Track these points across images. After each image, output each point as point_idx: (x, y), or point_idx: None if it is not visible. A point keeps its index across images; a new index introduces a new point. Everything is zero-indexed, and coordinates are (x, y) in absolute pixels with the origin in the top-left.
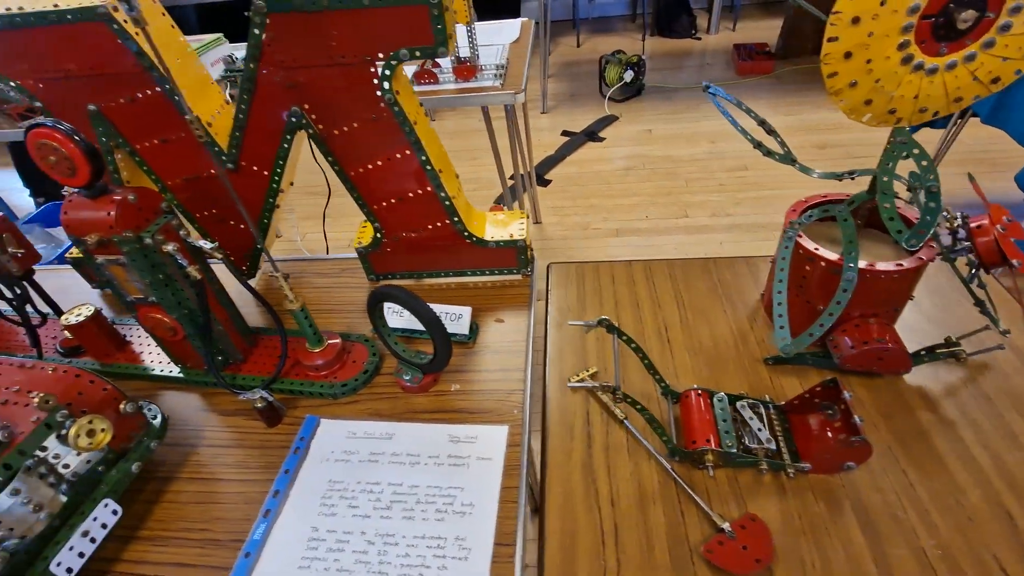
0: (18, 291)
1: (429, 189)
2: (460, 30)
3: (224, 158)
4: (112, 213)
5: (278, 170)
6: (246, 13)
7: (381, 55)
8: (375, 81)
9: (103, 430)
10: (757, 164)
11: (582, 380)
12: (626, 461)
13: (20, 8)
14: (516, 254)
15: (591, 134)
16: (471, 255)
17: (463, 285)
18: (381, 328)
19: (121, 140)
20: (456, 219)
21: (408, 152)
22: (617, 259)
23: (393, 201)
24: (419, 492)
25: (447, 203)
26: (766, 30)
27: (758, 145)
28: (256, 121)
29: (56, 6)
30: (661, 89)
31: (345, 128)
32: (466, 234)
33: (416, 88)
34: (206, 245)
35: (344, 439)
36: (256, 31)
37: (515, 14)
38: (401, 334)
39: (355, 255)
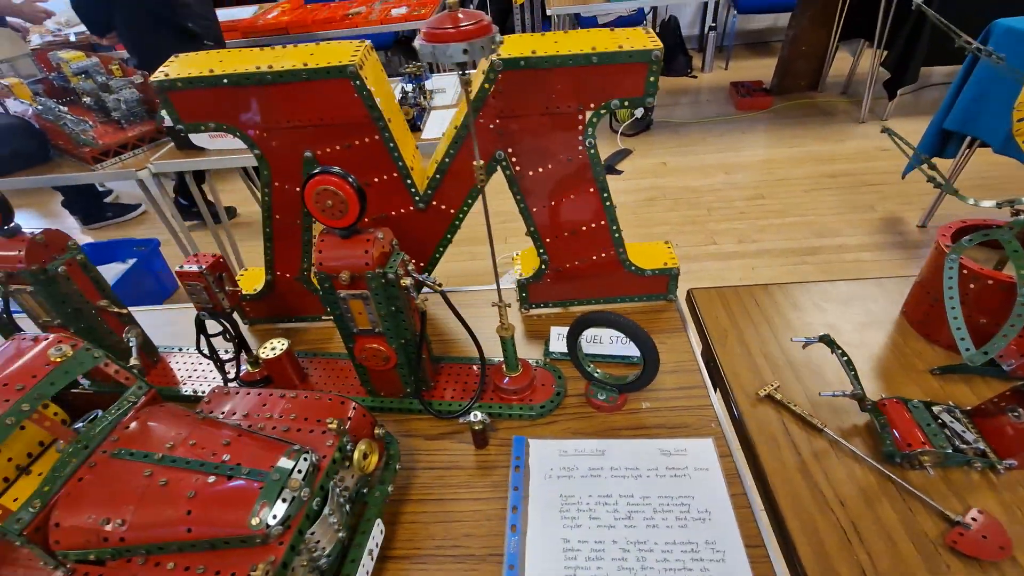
0: (227, 324)
1: (603, 223)
2: None
3: (418, 199)
4: (369, 251)
5: (465, 208)
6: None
7: (593, 105)
8: (580, 127)
9: (372, 453)
10: (773, 193)
11: (768, 393)
12: (837, 465)
13: (269, 66)
14: (668, 281)
15: (609, 168)
16: (625, 283)
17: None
18: (578, 351)
19: None
20: (621, 250)
21: (592, 190)
22: (750, 283)
23: (566, 234)
24: (652, 502)
25: (616, 235)
26: (757, 68)
27: (929, 175)
28: (459, 164)
29: (306, 65)
30: (668, 123)
31: (540, 169)
32: (627, 263)
33: None
34: (428, 279)
35: (557, 456)
36: (486, 85)
37: None
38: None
39: (483, 287)
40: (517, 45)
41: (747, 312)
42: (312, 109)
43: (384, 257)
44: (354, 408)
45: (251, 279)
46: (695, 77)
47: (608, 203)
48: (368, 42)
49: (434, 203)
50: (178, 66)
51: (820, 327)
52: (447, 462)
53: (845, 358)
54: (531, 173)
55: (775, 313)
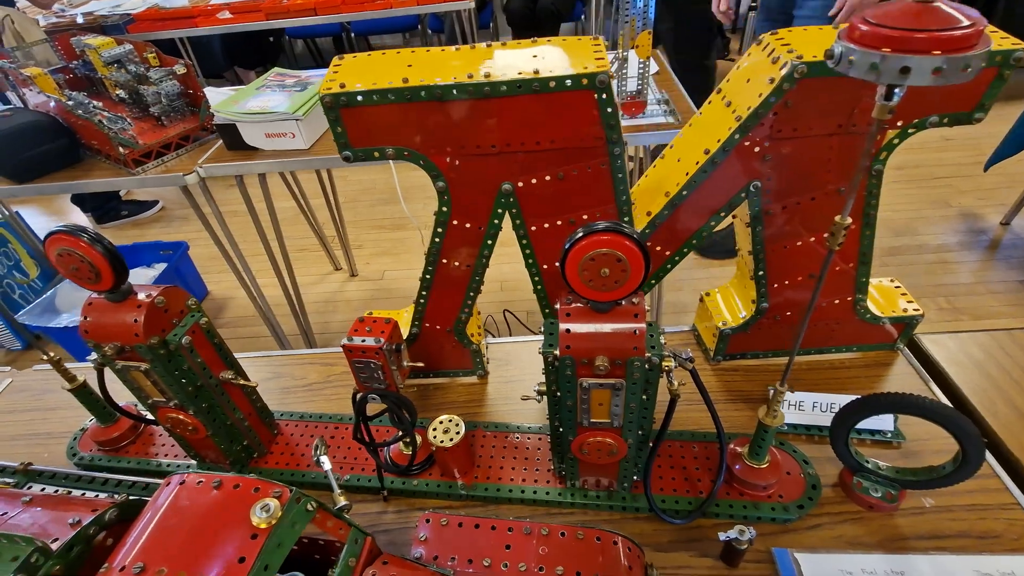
0: (403, 411)
1: (851, 265)
2: (632, 60)
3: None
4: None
5: (684, 251)
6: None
7: (902, 121)
8: (874, 150)
9: None
10: None
11: None
12: None
13: (486, 75)
14: (903, 330)
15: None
16: (848, 331)
17: (817, 364)
18: (847, 439)
19: (519, 221)
20: (861, 296)
21: (855, 226)
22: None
23: (800, 279)
24: None
25: (863, 279)
26: None
27: None
28: (700, 199)
29: (537, 73)
30: None
31: (797, 202)
32: (863, 311)
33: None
34: (684, 355)
35: None
36: (772, 98)
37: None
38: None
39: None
40: (806, 41)
41: (1000, 365)
42: (532, 128)
43: None
44: (628, 548)
45: None
46: (732, 60)
47: (867, 241)
48: (602, 38)
49: (648, 243)
50: (353, 74)
51: None
52: None
53: None
54: (782, 207)
55: None
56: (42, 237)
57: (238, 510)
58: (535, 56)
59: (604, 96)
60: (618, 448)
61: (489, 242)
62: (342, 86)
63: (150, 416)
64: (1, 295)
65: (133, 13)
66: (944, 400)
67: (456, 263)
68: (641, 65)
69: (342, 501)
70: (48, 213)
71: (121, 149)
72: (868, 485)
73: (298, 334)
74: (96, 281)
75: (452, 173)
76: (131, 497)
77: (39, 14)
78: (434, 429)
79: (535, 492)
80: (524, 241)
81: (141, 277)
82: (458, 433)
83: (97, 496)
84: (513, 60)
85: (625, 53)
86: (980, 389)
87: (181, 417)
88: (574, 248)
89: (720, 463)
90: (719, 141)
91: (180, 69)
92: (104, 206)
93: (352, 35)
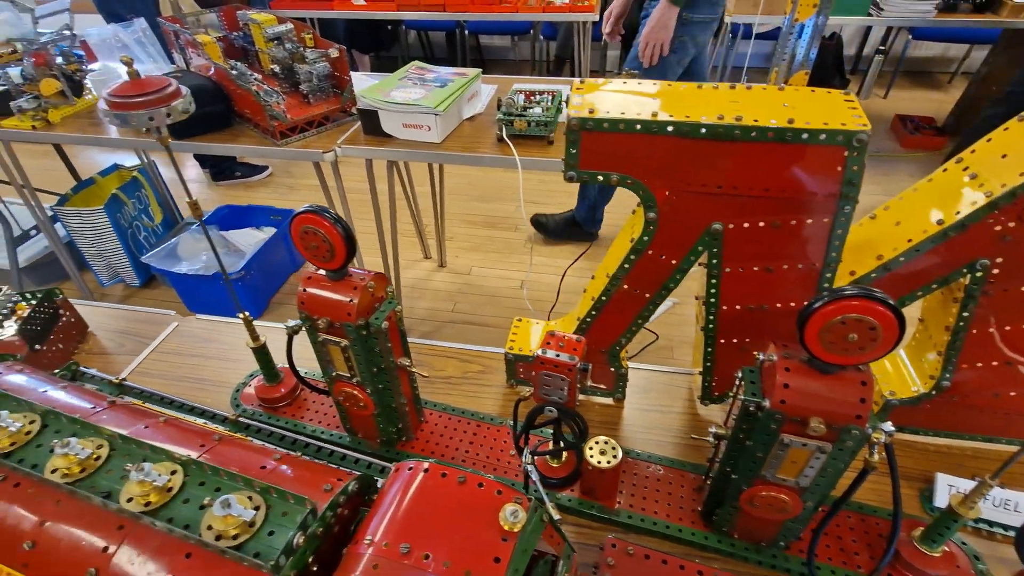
0: (579, 424)
1: None
2: None
3: None
4: None
5: None
6: None
7: None
8: None
9: None
10: None
11: None
12: None
13: (738, 118)
14: None
15: None
16: None
17: (997, 455)
18: None
19: (715, 261)
20: None
21: None
22: None
23: (995, 363)
24: None
25: None
26: (920, 101)
27: None
28: (916, 265)
29: (791, 123)
30: None
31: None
32: None
33: None
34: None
35: None
36: None
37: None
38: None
39: None
40: None
41: None
42: (767, 175)
43: None
44: None
45: None
46: None
47: None
48: (854, 94)
49: None
50: (602, 101)
51: None
52: None
53: None
54: (1005, 290)
55: None
56: (168, 186)
57: (487, 510)
58: (786, 105)
59: (856, 154)
60: (792, 507)
61: (678, 276)
62: (590, 111)
63: (322, 386)
64: (131, 235)
65: None
66: None
67: (636, 289)
68: None
69: (556, 514)
70: (165, 165)
71: (272, 120)
72: None
73: None
74: (329, 259)
75: (666, 207)
76: (361, 473)
77: None
78: (591, 448)
79: (680, 530)
80: (713, 281)
81: (251, 238)
82: (615, 456)
83: (321, 463)
84: (763, 105)
85: None
86: None
87: (356, 393)
88: (824, 308)
89: (889, 543)
90: (957, 214)
91: (334, 53)
92: (220, 164)
93: (466, 32)
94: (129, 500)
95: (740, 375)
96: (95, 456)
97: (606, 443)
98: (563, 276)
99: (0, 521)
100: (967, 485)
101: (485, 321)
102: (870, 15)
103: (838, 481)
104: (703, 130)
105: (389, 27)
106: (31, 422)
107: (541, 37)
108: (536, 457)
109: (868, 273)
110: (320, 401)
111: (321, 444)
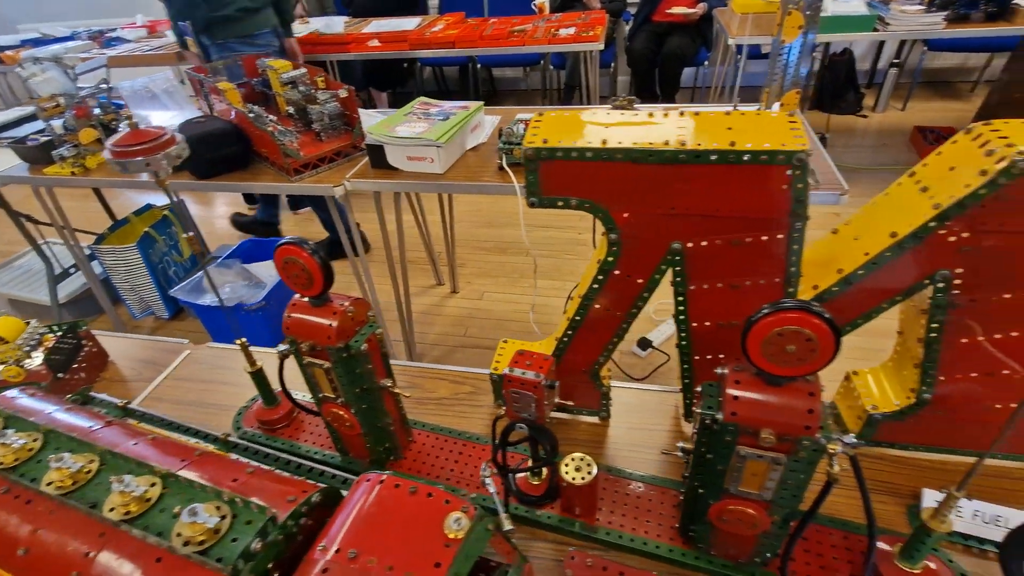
0: (548, 443)
1: None
2: None
3: None
4: None
5: (848, 328)
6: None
7: None
8: None
9: None
10: None
11: None
12: None
13: (682, 143)
14: None
15: None
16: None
17: (985, 469)
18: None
19: (679, 279)
20: None
21: None
22: None
23: (974, 375)
24: None
25: None
26: (939, 112)
27: None
28: (877, 278)
29: (733, 145)
30: (840, 168)
31: (990, 298)
32: None
33: None
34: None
35: None
36: (982, 191)
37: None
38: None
39: None
40: None
41: None
42: (719, 196)
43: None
44: None
45: None
46: (865, 116)
47: None
48: (798, 114)
49: None
50: (553, 131)
51: None
52: None
53: None
54: (972, 300)
55: None
56: (196, 224)
57: (433, 518)
58: (730, 128)
59: (799, 173)
60: (760, 522)
61: (645, 294)
62: (544, 141)
63: (313, 408)
64: (162, 270)
65: (296, 36)
66: None
67: (608, 309)
68: None
69: (508, 525)
70: (199, 203)
71: (286, 158)
72: None
73: (401, 341)
74: (308, 287)
75: (627, 228)
76: (326, 486)
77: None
78: (566, 465)
79: (658, 547)
80: (681, 298)
81: (272, 270)
82: (590, 473)
83: (292, 476)
84: (707, 130)
85: (768, 110)
86: None
87: (343, 413)
88: (763, 320)
89: (867, 559)
90: (910, 226)
91: (343, 93)
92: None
93: (478, 66)
94: (111, 510)
95: (700, 389)
96: (86, 470)
97: (581, 459)
98: (568, 299)
99: (2, 529)
100: (962, 502)
101: (494, 345)
102: (876, 30)
103: (803, 494)
104: (651, 156)
105: (405, 64)
106: (34, 440)
107: (551, 67)
108: (520, 475)
109: (830, 287)
110: (315, 423)
111: (313, 464)
